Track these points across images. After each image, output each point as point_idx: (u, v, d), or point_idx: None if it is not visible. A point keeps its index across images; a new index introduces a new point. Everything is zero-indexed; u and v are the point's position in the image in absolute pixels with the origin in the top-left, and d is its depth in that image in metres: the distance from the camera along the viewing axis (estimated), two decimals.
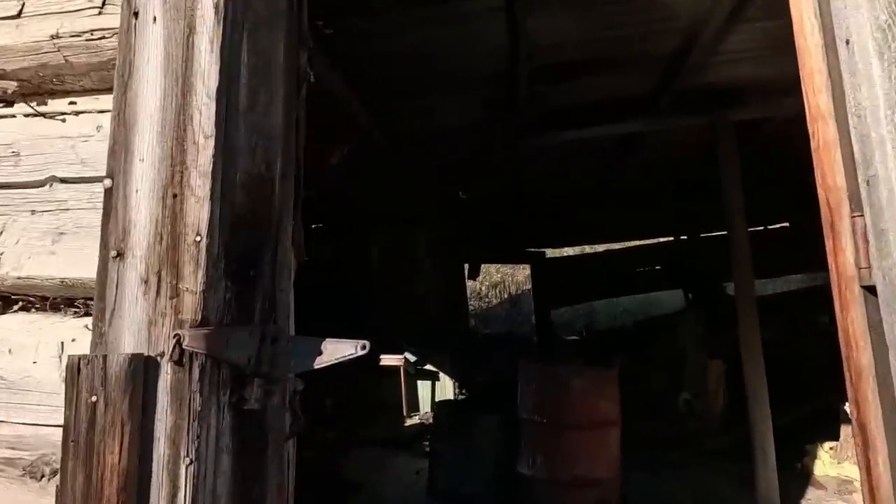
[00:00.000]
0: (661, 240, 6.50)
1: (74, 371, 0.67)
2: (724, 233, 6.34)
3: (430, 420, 6.03)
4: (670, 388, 4.93)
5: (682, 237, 6.42)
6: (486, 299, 8.98)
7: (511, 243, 6.85)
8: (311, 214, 7.38)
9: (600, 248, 6.71)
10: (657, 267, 6.41)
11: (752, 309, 3.17)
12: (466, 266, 7.03)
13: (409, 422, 6.04)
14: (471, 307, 8.60)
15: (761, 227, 6.10)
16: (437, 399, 6.59)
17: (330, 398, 6.30)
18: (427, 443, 5.26)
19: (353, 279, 7.22)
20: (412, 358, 6.51)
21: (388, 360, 6.43)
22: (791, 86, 1.00)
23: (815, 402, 4.52)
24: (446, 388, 6.57)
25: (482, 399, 4.45)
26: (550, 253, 6.80)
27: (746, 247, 3.20)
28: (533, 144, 3.94)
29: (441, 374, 6.62)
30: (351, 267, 7.28)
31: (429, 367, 6.63)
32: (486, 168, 5.02)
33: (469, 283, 7.21)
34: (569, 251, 6.81)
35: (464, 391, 6.58)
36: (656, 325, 6.08)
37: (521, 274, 9.33)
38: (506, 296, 8.95)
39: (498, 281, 9.57)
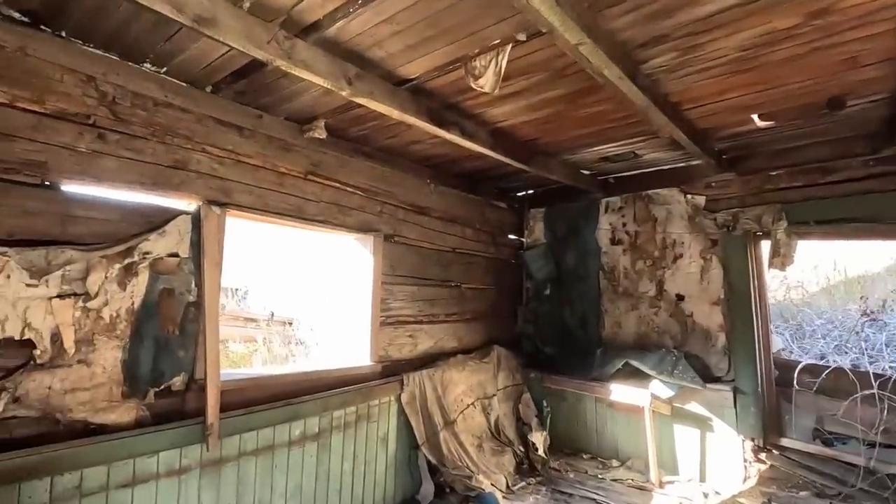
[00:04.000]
0: None
1: None
2: None
3: (699, 496, 3.65)
4: None
5: None
6: (808, 295, 5.52)
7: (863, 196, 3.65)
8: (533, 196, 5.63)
9: None
10: None
11: None
12: (766, 245, 4.14)
13: (658, 495, 3.82)
14: (780, 312, 5.44)
15: None
16: (708, 456, 4.10)
17: (541, 434, 4.57)
18: None
19: (571, 273, 5.17)
20: (666, 393, 4.15)
21: (623, 395, 4.25)
22: None
23: None
24: (728, 443, 4.00)
25: None
26: None
27: None
28: None
29: (716, 420, 4.07)
30: (570, 255, 5.22)
31: (694, 406, 4.14)
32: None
33: (772, 273, 4.29)
34: None
35: (762, 456, 3.89)
36: None
37: (872, 254, 5.46)
38: (842, 291, 5.32)
39: (816, 263, 5.91)
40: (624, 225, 4.85)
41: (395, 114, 2.73)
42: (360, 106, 2.90)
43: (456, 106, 2.97)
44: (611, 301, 4.86)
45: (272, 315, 7.88)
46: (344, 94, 2.44)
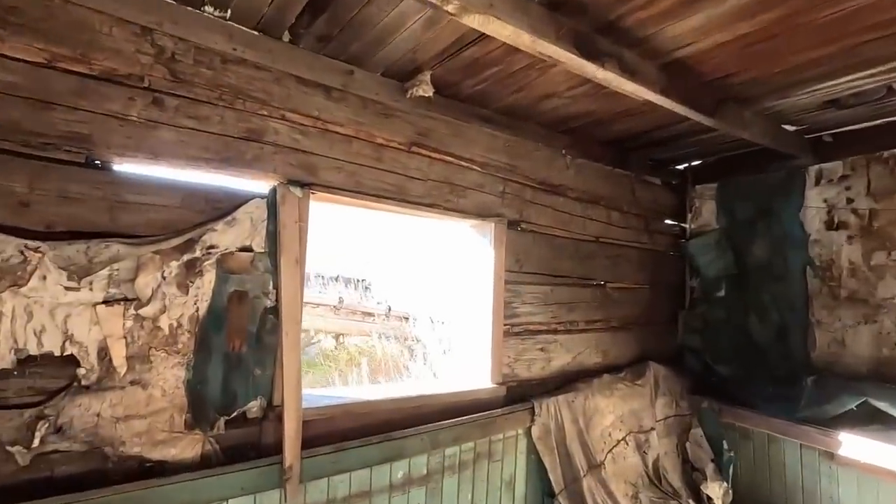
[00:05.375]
0: None
1: None
2: None
3: None
4: None
5: None
6: None
7: None
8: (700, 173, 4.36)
9: None
10: None
11: None
12: None
13: None
14: None
15: None
16: None
17: (721, 485, 3.40)
18: None
19: (761, 269, 3.82)
20: None
21: (866, 452, 2.90)
22: None
23: None
24: None
25: None
26: None
27: None
28: None
29: None
30: (758, 245, 3.87)
31: None
32: None
33: None
34: None
35: None
36: None
37: None
38: None
39: None
40: (850, 201, 3.39)
41: (524, 39, 1.86)
42: (473, 43, 2.11)
43: (614, 26, 2.00)
44: (827, 309, 3.45)
45: (389, 310, 7.55)
46: (449, 9, 1.65)
